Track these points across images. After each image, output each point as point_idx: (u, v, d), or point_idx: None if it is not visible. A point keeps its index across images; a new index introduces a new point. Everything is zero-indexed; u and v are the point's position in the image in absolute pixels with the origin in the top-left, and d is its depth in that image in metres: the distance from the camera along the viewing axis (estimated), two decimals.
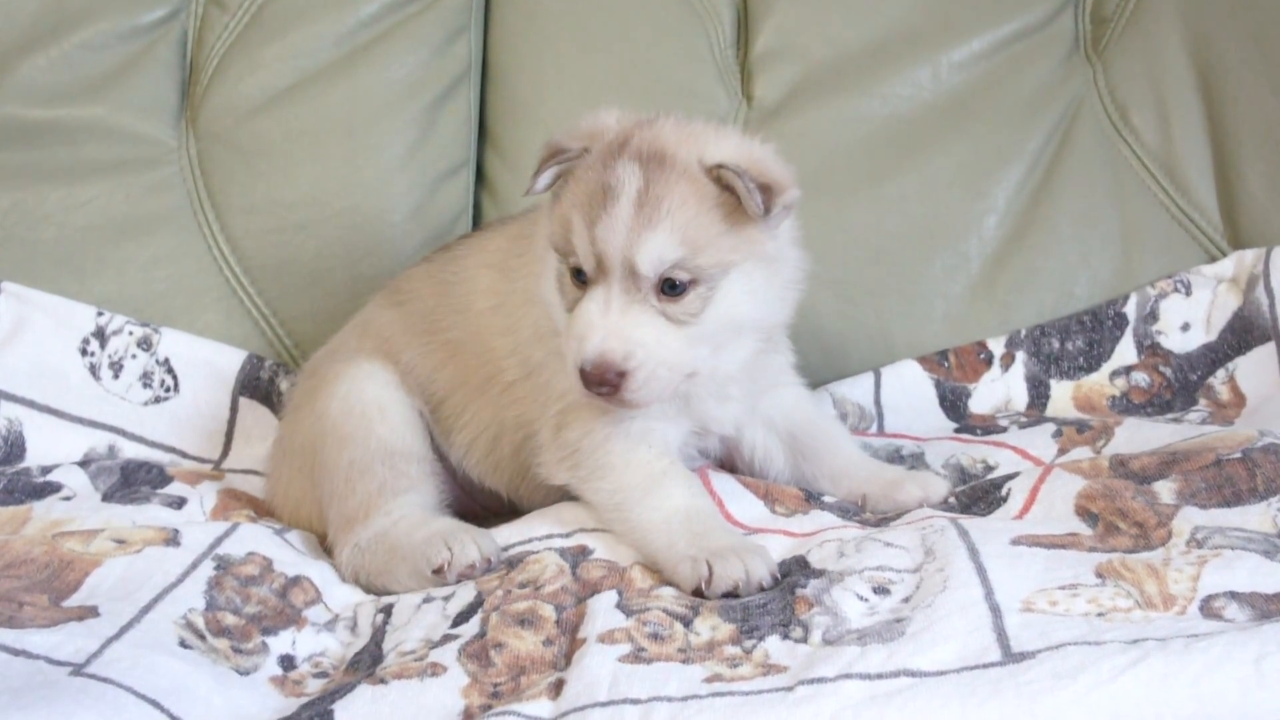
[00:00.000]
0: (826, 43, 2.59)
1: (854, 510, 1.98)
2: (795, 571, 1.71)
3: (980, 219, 2.49)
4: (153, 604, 1.70)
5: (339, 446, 2.02)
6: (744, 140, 1.89)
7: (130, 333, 2.45)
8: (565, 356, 1.81)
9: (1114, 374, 2.38)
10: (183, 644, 1.64)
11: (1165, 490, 1.77)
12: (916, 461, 2.16)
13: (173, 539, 1.87)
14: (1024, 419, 2.30)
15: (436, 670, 1.56)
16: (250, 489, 2.24)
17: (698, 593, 1.68)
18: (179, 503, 2.10)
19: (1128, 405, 2.34)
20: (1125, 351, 2.39)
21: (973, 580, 1.56)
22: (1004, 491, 1.90)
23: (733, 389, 1.96)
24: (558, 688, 1.49)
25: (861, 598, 1.59)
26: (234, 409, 2.45)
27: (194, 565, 1.80)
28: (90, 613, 1.67)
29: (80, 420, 2.38)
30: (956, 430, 2.32)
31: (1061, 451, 2.08)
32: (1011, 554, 1.64)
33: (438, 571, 1.84)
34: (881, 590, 1.61)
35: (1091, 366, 2.39)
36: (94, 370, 2.42)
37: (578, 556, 1.79)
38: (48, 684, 1.46)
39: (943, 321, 2.46)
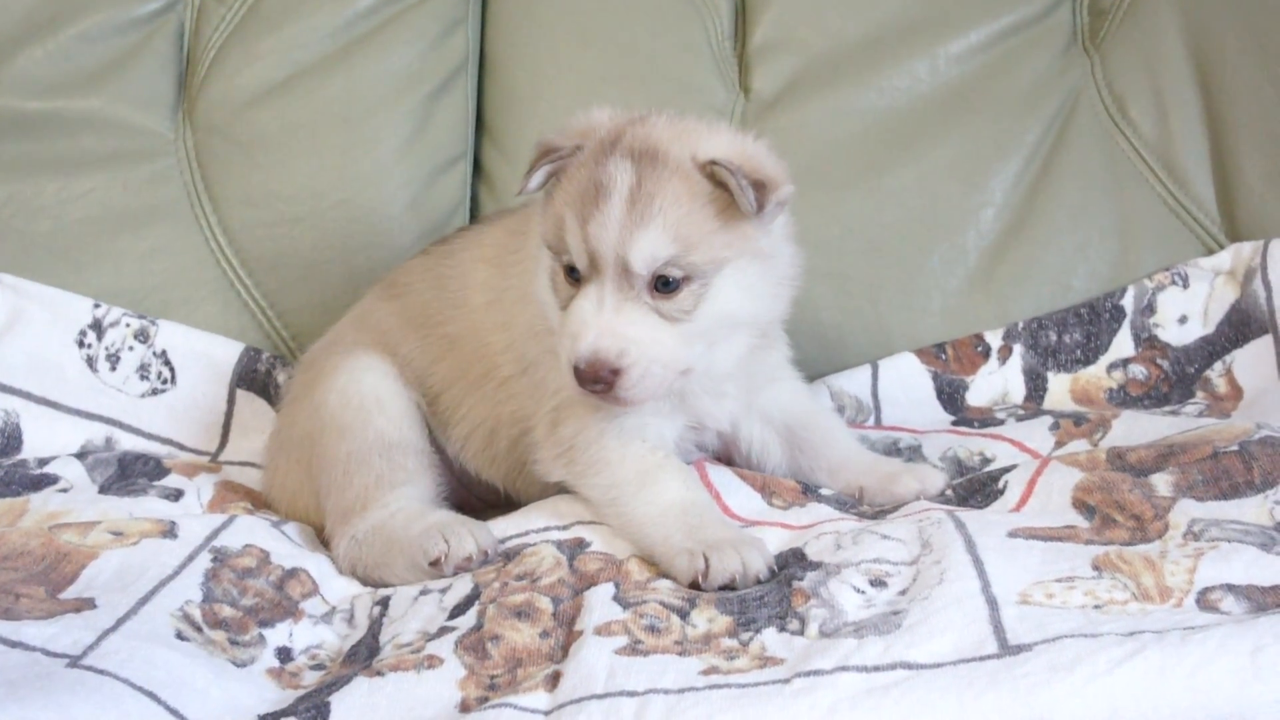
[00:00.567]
0: (824, 35, 2.58)
1: (851, 503, 1.98)
2: (792, 564, 1.71)
3: (978, 211, 2.49)
4: (149, 596, 1.70)
5: (337, 438, 2.02)
6: (737, 136, 1.88)
7: (127, 325, 2.45)
8: (559, 354, 1.81)
9: (1111, 366, 2.38)
10: (179, 636, 1.64)
11: (1162, 483, 1.77)
12: (914, 454, 2.16)
13: (170, 531, 1.87)
14: (1021, 412, 2.30)
15: (433, 662, 1.56)
16: (247, 481, 2.24)
17: (695, 585, 1.68)
18: (176, 495, 2.10)
19: (1125, 398, 2.34)
20: (1122, 344, 2.39)
21: (969, 573, 1.56)
22: (1001, 484, 1.90)
23: (728, 386, 1.96)
24: (554, 680, 1.49)
25: (858, 590, 1.60)
26: (231, 401, 2.45)
27: (191, 557, 1.80)
28: (87, 605, 1.67)
29: (77, 412, 2.38)
30: (954, 423, 2.32)
31: (1059, 444, 2.08)
32: (1008, 546, 1.64)
33: (435, 564, 1.84)
34: (878, 583, 1.61)
35: (1089, 359, 2.40)
36: (91, 362, 2.42)
37: (575, 549, 1.79)
38: (44, 676, 1.46)
39: (940, 314, 2.46)
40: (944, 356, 2.43)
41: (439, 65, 2.64)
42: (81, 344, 2.43)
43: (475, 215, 2.65)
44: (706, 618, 1.59)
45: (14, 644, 1.54)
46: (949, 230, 2.48)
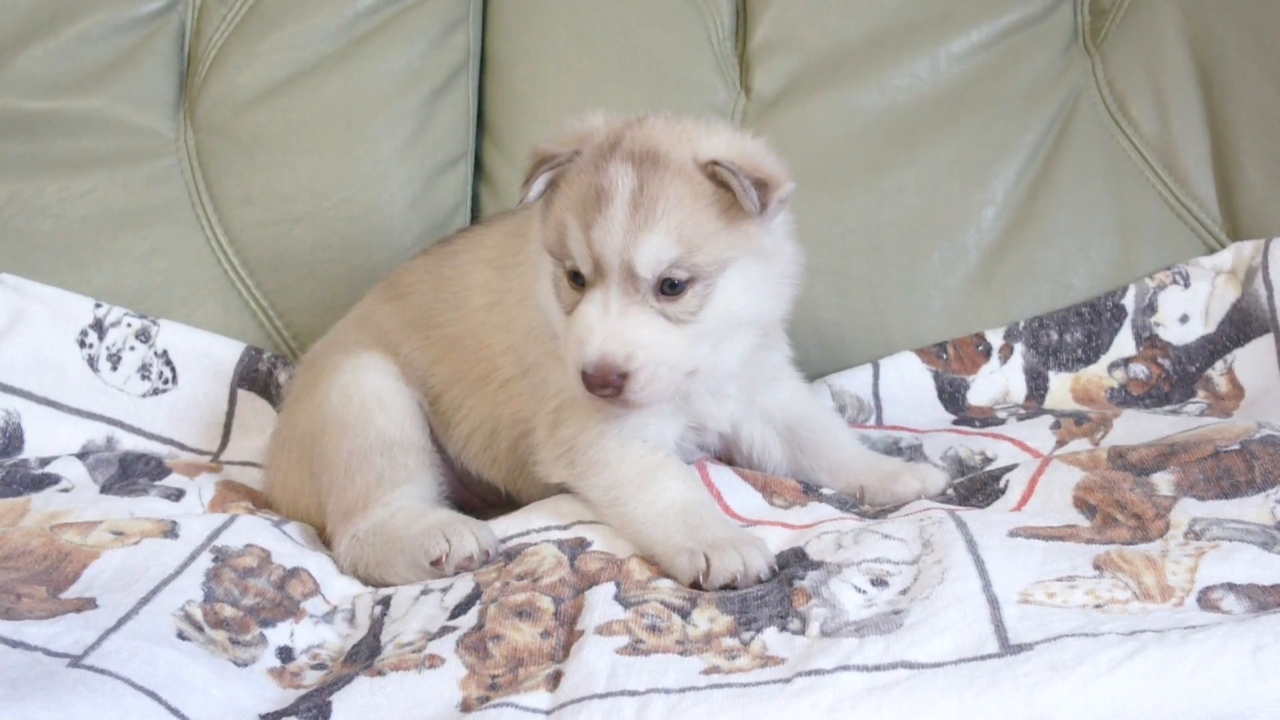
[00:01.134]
0: (825, 34, 2.58)
1: (852, 502, 1.98)
2: (793, 563, 1.71)
3: (978, 211, 2.49)
4: (151, 596, 1.70)
5: (338, 437, 2.02)
6: (735, 135, 1.88)
7: (128, 324, 2.45)
8: (565, 360, 1.81)
9: (1112, 366, 2.38)
10: (181, 636, 1.64)
11: (1163, 482, 1.77)
12: (915, 453, 2.16)
13: (171, 531, 1.87)
14: (1022, 411, 2.30)
15: (434, 662, 1.56)
16: (248, 481, 2.25)
17: (696, 585, 1.68)
18: (177, 495, 2.10)
19: (1126, 397, 2.34)
20: (1124, 343, 2.39)
21: (970, 572, 1.56)
22: (1002, 483, 1.90)
23: (730, 387, 1.96)
24: (555, 679, 1.49)
25: (859, 589, 1.60)
26: (232, 401, 2.45)
27: (192, 557, 1.80)
28: (88, 604, 1.67)
29: (78, 412, 2.38)
30: (955, 422, 2.32)
31: (1060, 443, 2.08)
32: (1009, 546, 1.64)
33: (436, 563, 1.84)
34: (879, 582, 1.61)
35: (1090, 358, 2.39)
36: (92, 362, 2.42)
37: (576, 549, 1.79)
38: (45, 675, 1.46)
39: (941, 313, 2.46)
40: (945, 356, 2.43)
41: (440, 65, 2.64)
42: (83, 344, 2.43)
43: (476, 215, 2.65)
44: (708, 617, 1.59)
45: (15, 644, 1.54)
46: (950, 229, 2.48)
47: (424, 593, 1.78)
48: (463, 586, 1.76)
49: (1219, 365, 2.31)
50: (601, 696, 1.43)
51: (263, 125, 2.58)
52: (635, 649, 1.52)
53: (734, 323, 1.83)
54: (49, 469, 2.20)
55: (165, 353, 2.45)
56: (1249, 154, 2.45)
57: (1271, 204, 2.42)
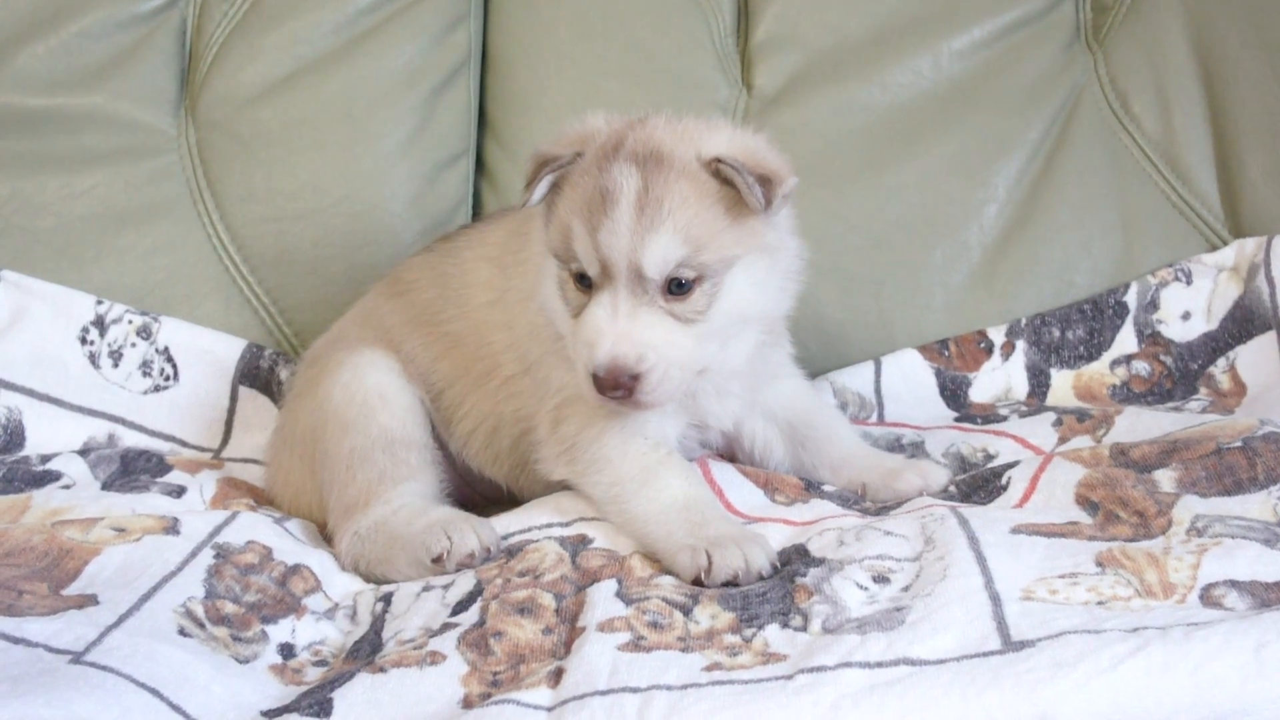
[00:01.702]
0: (827, 31, 2.58)
1: (854, 499, 1.98)
2: (795, 560, 1.71)
3: (980, 208, 2.49)
4: (152, 592, 1.70)
5: (340, 434, 2.02)
6: (737, 132, 1.88)
7: (130, 321, 2.45)
8: (575, 363, 1.81)
9: (1114, 363, 2.38)
10: (182, 632, 1.64)
11: (1165, 479, 1.77)
12: (916, 450, 2.16)
13: (172, 528, 1.87)
14: (1024, 408, 2.30)
15: (436, 659, 1.56)
16: (250, 478, 2.25)
17: (697, 582, 1.68)
18: (178, 491, 2.10)
19: (1128, 394, 2.34)
20: (1126, 340, 2.39)
21: (972, 569, 1.56)
22: (1004, 480, 1.90)
23: (734, 384, 1.96)
24: (557, 676, 1.49)
25: (861, 586, 1.59)
26: (234, 398, 2.45)
27: (193, 554, 1.80)
28: (89, 601, 1.67)
29: (80, 409, 2.38)
30: (957, 419, 2.32)
31: (1062, 440, 2.08)
32: (1011, 543, 1.63)
33: (437, 560, 1.84)
34: (881, 579, 1.61)
35: (1092, 355, 2.39)
36: (93, 359, 2.42)
37: (577, 545, 1.79)
38: (47, 672, 1.46)
39: (943, 310, 2.46)
40: (947, 353, 2.43)
41: (441, 61, 2.64)
42: (84, 341, 2.43)
43: (478, 211, 2.65)
44: (709, 614, 1.59)
45: (16, 640, 1.54)
46: (952, 226, 2.48)
47: (425, 590, 1.78)
48: (464, 583, 1.76)
49: (1221, 362, 2.31)
50: (603, 693, 1.42)
51: (264, 122, 2.57)
52: (637, 646, 1.52)
53: (742, 320, 1.83)
54: (50, 466, 2.20)
55: (166, 350, 2.45)
56: (1251, 151, 2.44)
57: (1274, 201, 2.42)
